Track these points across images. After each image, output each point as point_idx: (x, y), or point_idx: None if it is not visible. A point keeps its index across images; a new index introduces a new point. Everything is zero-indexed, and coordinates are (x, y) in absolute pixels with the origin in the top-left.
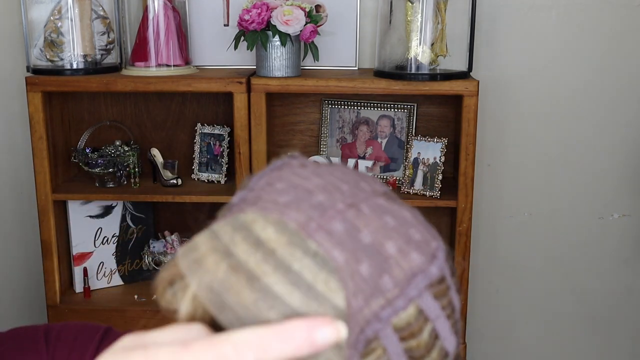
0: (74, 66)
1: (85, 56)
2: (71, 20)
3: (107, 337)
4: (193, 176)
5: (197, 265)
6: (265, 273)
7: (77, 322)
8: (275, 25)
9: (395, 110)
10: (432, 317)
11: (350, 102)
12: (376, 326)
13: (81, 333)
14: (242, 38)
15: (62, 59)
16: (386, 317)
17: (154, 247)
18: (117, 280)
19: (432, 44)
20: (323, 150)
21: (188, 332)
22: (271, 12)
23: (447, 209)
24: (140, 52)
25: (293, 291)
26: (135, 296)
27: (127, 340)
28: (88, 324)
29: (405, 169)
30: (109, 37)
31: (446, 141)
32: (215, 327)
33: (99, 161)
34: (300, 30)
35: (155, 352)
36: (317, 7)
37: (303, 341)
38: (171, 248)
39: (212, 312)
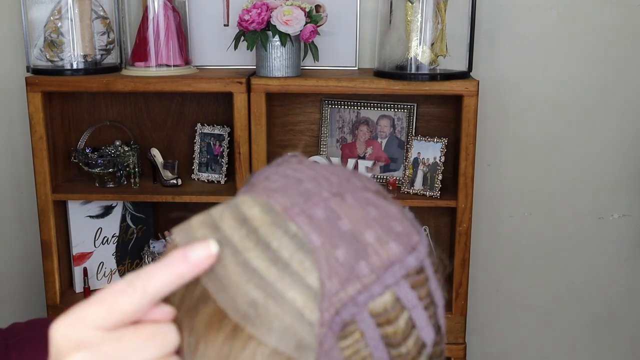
0: (74, 66)
1: (85, 56)
2: (71, 20)
3: None
4: (193, 176)
5: (188, 237)
6: (247, 248)
7: (41, 319)
8: (275, 25)
9: (395, 110)
10: (408, 306)
11: (350, 102)
12: (352, 310)
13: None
14: (242, 38)
15: (62, 59)
16: (362, 302)
17: (154, 247)
18: (117, 281)
19: (432, 44)
20: (323, 150)
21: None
22: (271, 12)
23: (447, 209)
24: (140, 52)
25: (270, 267)
26: None
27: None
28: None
29: (405, 169)
30: (109, 37)
31: (446, 141)
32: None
33: (99, 161)
34: (300, 30)
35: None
36: (317, 7)
37: (180, 262)
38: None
39: (202, 281)
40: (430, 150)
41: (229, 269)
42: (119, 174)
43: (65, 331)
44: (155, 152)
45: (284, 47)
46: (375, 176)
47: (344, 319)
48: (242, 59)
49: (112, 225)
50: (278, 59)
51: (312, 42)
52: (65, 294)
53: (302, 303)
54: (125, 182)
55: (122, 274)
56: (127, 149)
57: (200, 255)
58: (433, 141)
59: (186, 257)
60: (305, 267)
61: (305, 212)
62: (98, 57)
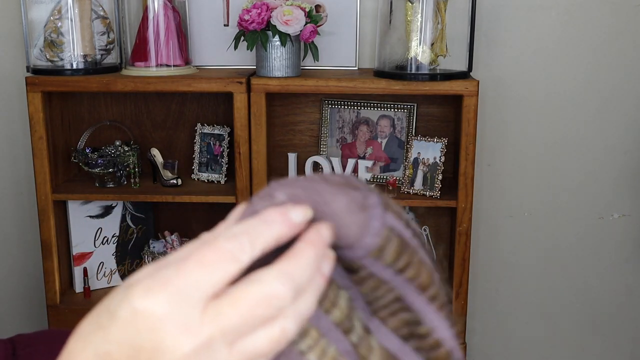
0: (74, 66)
1: (85, 56)
2: (71, 20)
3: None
4: (193, 176)
5: None
6: (236, 211)
7: (51, 329)
8: (275, 25)
9: (395, 110)
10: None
11: (350, 102)
12: None
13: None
14: (242, 38)
15: (62, 59)
16: None
17: (154, 247)
18: (117, 281)
19: (432, 44)
20: (323, 150)
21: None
22: (271, 12)
23: (447, 209)
24: (140, 52)
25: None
26: None
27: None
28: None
29: (405, 169)
30: (109, 37)
31: (446, 141)
32: None
33: (99, 161)
34: (300, 30)
35: (166, 263)
36: (317, 7)
37: (282, 222)
38: (171, 248)
39: None
40: (430, 150)
41: None
42: (119, 174)
43: (160, 307)
44: (155, 152)
45: (284, 47)
46: (375, 176)
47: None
48: (242, 59)
49: (112, 225)
50: (278, 59)
51: (312, 42)
52: (65, 294)
53: None
54: (125, 182)
55: (122, 274)
56: (127, 149)
57: (301, 217)
58: (433, 141)
59: (287, 217)
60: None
61: (285, 187)
62: (98, 57)
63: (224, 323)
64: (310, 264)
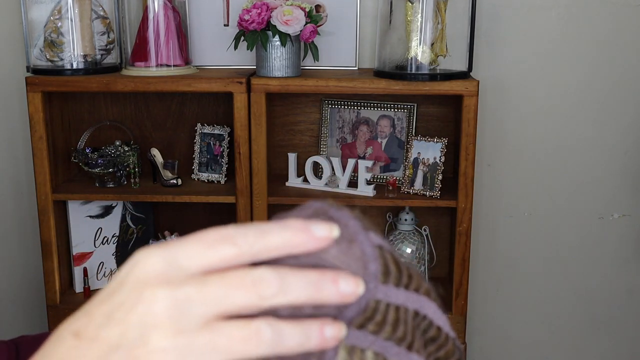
0: (74, 66)
1: (85, 56)
2: (71, 20)
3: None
4: (193, 176)
5: None
6: None
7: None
8: (275, 25)
9: (395, 110)
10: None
11: (350, 102)
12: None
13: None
14: (242, 38)
15: (62, 59)
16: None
17: None
18: None
19: (432, 44)
20: (323, 150)
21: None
22: (271, 12)
23: (447, 209)
24: (140, 52)
25: None
26: None
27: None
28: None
29: (405, 169)
30: (109, 37)
31: (446, 141)
32: None
33: (99, 161)
34: (300, 30)
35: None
36: (317, 7)
37: (300, 231)
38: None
39: None
40: (430, 150)
41: None
42: (119, 174)
43: (154, 261)
44: (155, 152)
45: (284, 47)
46: (375, 176)
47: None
48: (242, 59)
49: (112, 225)
50: (278, 59)
51: (312, 42)
52: (65, 294)
53: None
54: (125, 182)
55: None
56: (127, 149)
57: (322, 232)
58: (433, 141)
59: (308, 228)
60: None
61: None
62: (98, 57)
63: (205, 290)
64: (310, 282)
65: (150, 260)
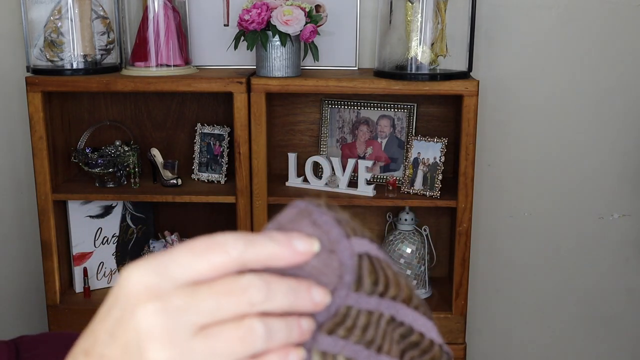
0: (74, 66)
1: (85, 56)
2: (71, 20)
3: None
4: (193, 176)
5: None
6: None
7: (54, 332)
8: (275, 25)
9: (395, 110)
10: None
11: (350, 102)
12: None
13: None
14: (242, 38)
15: (62, 59)
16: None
17: (154, 247)
18: (117, 281)
19: (432, 44)
20: (323, 150)
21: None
22: (271, 12)
23: (447, 209)
24: (140, 52)
25: None
26: None
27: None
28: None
29: (405, 169)
30: (109, 37)
31: (446, 141)
32: None
33: (99, 161)
34: (300, 30)
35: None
36: (317, 7)
37: (282, 244)
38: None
39: None
40: (430, 150)
41: None
42: (119, 174)
43: (143, 274)
44: (155, 152)
45: (284, 47)
46: (375, 176)
47: None
48: (242, 59)
49: (112, 225)
50: (278, 59)
51: (312, 42)
52: (65, 294)
53: None
54: (125, 182)
55: None
56: (127, 149)
57: (303, 247)
58: (433, 141)
59: (290, 243)
60: None
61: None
62: (98, 57)
63: (196, 299)
64: (290, 289)
65: (140, 274)
